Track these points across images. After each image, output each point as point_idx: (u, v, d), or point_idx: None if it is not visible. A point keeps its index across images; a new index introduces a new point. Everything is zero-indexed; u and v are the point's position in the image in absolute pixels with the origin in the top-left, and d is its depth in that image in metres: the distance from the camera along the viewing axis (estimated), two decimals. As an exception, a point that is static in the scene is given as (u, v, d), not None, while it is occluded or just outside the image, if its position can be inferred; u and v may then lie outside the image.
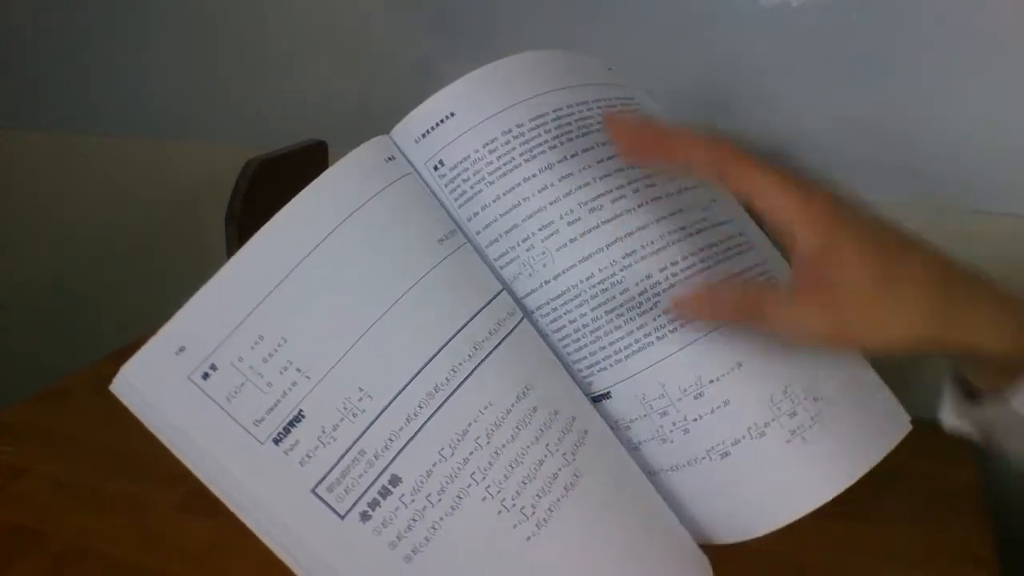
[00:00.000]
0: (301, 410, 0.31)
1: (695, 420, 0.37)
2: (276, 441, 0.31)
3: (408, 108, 0.38)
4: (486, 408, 0.34)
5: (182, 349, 0.30)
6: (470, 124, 0.37)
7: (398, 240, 0.35)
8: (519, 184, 0.36)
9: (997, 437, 0.40)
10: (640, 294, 0.36)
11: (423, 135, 0.37)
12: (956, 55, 0.70)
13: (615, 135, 0.36)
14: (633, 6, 0.79)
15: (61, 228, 1.21)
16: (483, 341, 0.35)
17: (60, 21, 1.08)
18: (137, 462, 0.73)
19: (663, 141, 0.34)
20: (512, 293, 0.38)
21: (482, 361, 0.35)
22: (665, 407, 0.37)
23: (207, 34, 1.00)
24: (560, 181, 0.36)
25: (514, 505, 0.34)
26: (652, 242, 0.37)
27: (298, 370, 0.31)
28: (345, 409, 0.32)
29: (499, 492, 0.33)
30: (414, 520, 0.32)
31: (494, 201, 0.37)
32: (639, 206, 0.37)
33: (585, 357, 0.38)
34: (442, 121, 0.37)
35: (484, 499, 0.33)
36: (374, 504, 0.32)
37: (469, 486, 0.33)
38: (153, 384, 0.30)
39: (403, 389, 0.33)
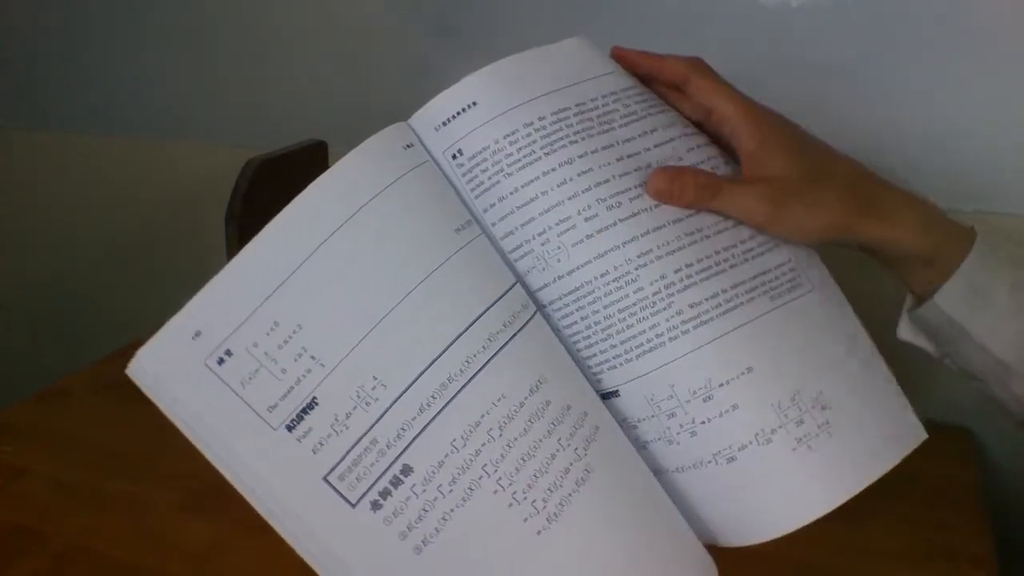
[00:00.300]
0: (315, 397, 0.31)
1: (703, 423, 0.37)
2: (289, 428, 0.31)
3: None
4: (499, 400, 0.34)
5: (198, 334, 0.30)
6: (492, 115, 0.37)
7: (415, 228, 0.34)
8: (538, 177, 0.36)
9: (941, 344, 0.43)
10: (654, 294, 0.36)
11: (443, 123, 0.37)
12: (956, 55, 0.70)
13: (616, 55, 0.41)
14: (633, 6, 0.79)
15: (61, 228, 1.20)
16: (498, 333, 0.35)
17: (60, 21, 1.08)
18: (137, 462, 0.73)
19: (649, 56, 0.41)
20: (525, 286, 0.38)
21: (496, 353, 0.34)
22: (673, 408, 0.37)
23: (207, 34, 1.00)
24: (579, 176, 0.36)
25: (525, 498, 0.34)
26: (668, 243, 0.37)
27: (312, 357, 0.31)
28: (359, 397, 0.32)
29: (511, 485, 0.33)
30: (425, 511, 0.32)
31: (511, 193, 0.37)
32: (657, 205, 0.37)
33: (595, 355, 0.37)
34: (464, 110, 0.37)
35: (496, 491, 0.33)
36: (385, 493, 0.32)
37: (481, 478, 0.33)
38: (168, 368, 0.29)
39: (417, 379, 0.33)
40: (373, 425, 0.32)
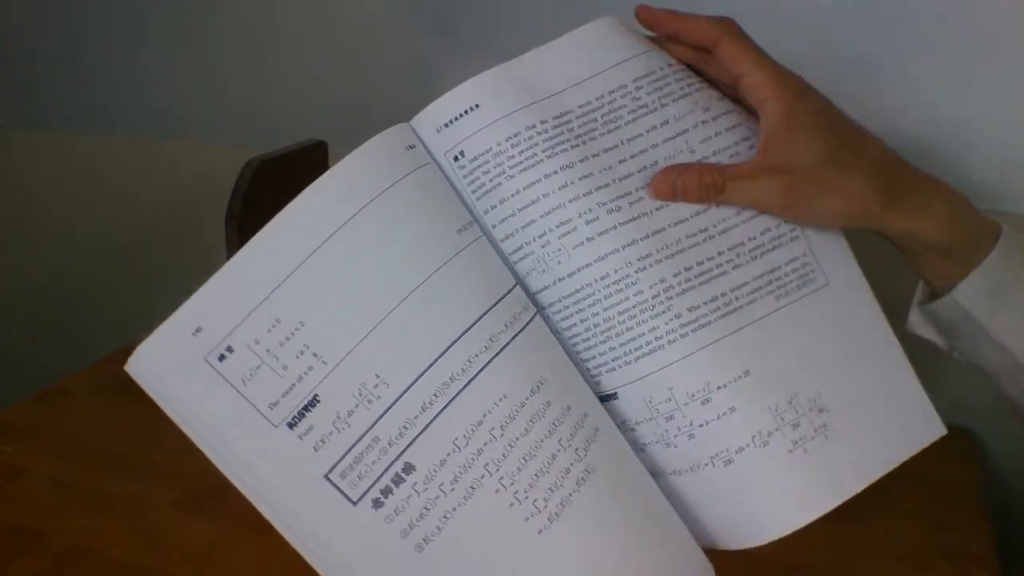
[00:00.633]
0: (316, 395, 0.31)
1: (701, 426, 0.37)
2: (291, 425, 0.31)
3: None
4: (501, 400, 0.34)
5: (199, 330, 0.30)
6: (495, 117, 0.37)
7: (417, 229, 0.35)
8: (539, 180, 0.36)
9: (952, 339, 0.42)
10: (653, 297, 0.36)
11: (445, 125, 0.37)
12: (956, 55, 0.70)
13: (641, 15, 0.40)
14: (633, 6, 0.79)
15: (61, 228, 1.20)
16: (499, 333, 0.35)
17: (60, 21, 1.08)
18: (137, 462, 0.73)
19: (676, 16, 0.39)
20: (526, 288, 0.38)
21: (498, 353, 0.34)
22: (671, 411, 0.37)
23: (207, 34, 1.00)
24: (581, 180, 0.36)
25: (527, 497, 0.34)
26: (668, 246, 0.37)
27: (314, 354, 0.31)
28: (360, 395, 0.32)
29: (512, 484, 0.33)
30: (426, 509, 0.32)
31: (513, 195, 0.37)
32: (660, 207, 0.37)
33: (594, 357, 0.37)
34: (466, 112, 0.37)
35: (497, 491, 0.33)
36: (387, 491, 0.32)
37: (482, 477, 0.33)
38: (169, 364, 0.29)
39: (419, 377, 0.33)
40: (375, 423, 0.32)
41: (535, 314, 0.37)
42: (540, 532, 0.34)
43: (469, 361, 0.34)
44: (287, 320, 0.31)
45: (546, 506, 0.34)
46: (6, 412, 0.83)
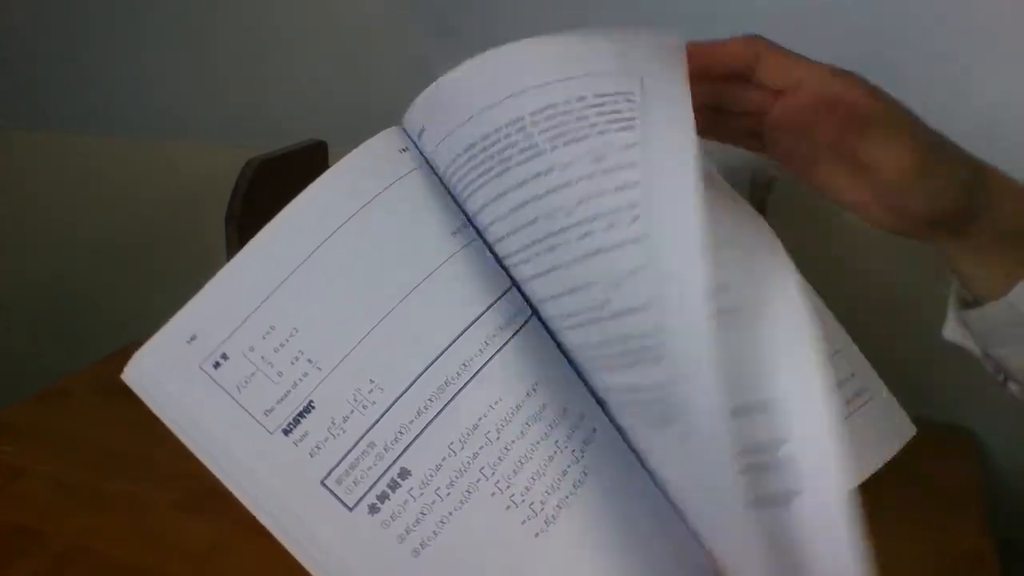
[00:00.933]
0: (311, 401, 0.31)
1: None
2: (286, 432, 0.31)
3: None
4: (497, 403, 0.34)
5: (193, 338, 0.30)
6: (438, 140, 0.36)
7: (412, 231, 0.35)
8: (486, 205, 0.35)
9: (992, 346, 0.41)
10: None
11: (418, 136, 0.37)
12: (956, 55, 0.70)
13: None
14: (632, 7, 0.79)
15: (61, 228, 1.20)
16: (494, 336, 0.35)
17: (60, 21, 1.08)
18: (137, 462, 0.73)
19: (704, 45, 0.39)
20: (520, 290, 0.38)
21: (493, 356, 0.34)
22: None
23: (207, 34, 1.00)
24: (502, 219, 0.34)
25: (523, 501, 0.34)
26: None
27: (309, 361, 0.31)
28: (355, 401, 0.32)
29: (508, 487, 0.33)
30: (423, 514, 0.32)
31: (476, 213, 0.36)
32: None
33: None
34: (421, 132, 0.36)
35: (493, 494, 0.33)
36: (383, 497, 0.31)
37: (479, 481, 0.33)
38: (164, 372, 0.30)
39: (414, 382, 0.32)
40: (370, 428, 0.32)
41: (530, 316, 0.37)
42: (537, 535, 0.34)
43: (464, 365, 0.34)
44: (281, 327, 0.31)
45: (543, 509, 0.34)
46: (6, 412, 0.83)
